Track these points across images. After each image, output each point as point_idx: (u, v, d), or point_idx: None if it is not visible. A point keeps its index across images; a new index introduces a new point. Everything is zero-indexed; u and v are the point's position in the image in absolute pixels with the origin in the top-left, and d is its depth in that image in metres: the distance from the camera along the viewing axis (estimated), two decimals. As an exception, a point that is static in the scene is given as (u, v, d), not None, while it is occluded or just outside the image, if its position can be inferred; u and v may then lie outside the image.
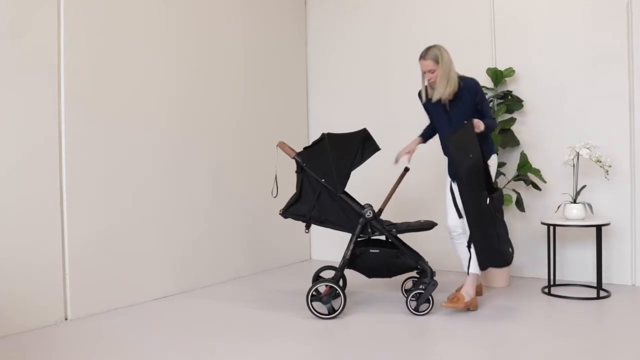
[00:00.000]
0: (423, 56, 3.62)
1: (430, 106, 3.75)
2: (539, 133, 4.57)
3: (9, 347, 3.01)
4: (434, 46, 3.63)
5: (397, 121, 5.11)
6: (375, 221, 3.59)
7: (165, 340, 3.14)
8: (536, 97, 4.58)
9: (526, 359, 2.80)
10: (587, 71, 4.41)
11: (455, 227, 3.75)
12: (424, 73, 3.64)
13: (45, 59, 3.43)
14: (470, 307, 3.69)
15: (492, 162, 3.73)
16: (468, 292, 3.70)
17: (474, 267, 3.67)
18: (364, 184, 4.67)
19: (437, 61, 3.57)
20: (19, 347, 3.03)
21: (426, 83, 3.68)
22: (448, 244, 4.78)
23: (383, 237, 3.72)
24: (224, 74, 4.70)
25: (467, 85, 3.61)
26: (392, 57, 5.23)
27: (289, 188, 3.82)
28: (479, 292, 3.82)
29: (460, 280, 4.13)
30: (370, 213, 3.57)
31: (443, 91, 3.57)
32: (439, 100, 3.64)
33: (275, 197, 3.78)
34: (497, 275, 4.36)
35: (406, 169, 3.97)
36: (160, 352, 2.95)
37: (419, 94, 3.79)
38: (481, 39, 4.80)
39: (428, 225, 3.70)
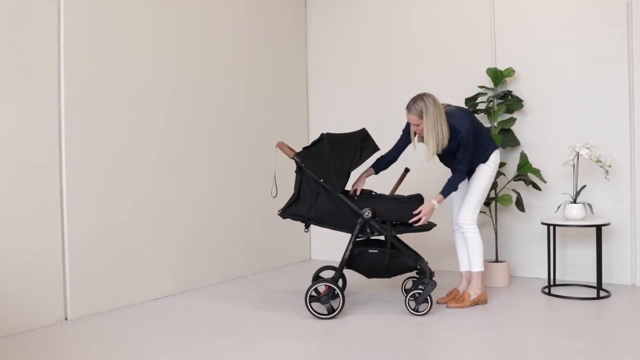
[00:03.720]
0: (408, 109, 3.61)
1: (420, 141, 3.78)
2: (539, 133, 4.57)
3: (9, 347, 3.02)
4: (420, 98, 3.56)
5: (397, 121, 5.09)
6: (374, 221, 3.59)
7: (165, 340, 3.14)
8: (536, 97, 4.58)
9: (526, 359, 2.80)
10: (587, 71, 4.40)
11: (464, 221, 3.77)
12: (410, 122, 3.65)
13: (45, 59, 3.43)
14: (479, 303, 3.78)
15: (490, 162, 3.75)
16: (475, 290, 3.77)
17: (478, 265, 3.76)
18: (364, 185, 4.67)
19: (421, 116, 3.55)
20: (19, 347, 3.03)
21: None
22: (447, 244, 4.79)
23: (382, 237, 3.72)
24: (224, 73, 4.70)
25: (456, 135, 3.56)
26: (391, 57, 5.23)
27: (289, 188, 3.82)
28: (483, 300, 3.83)
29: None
30: (369, 213, 3.57)
31: (431, 148, 3.54)
32: None
33: (275, 197, 3.78)
34: (497, 275, 4.37)
35: (407, 170, 3.97)
36: (160, 352, 2.95)
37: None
38: (481, 39, 4.80)
39: (428, 227, 3.70)
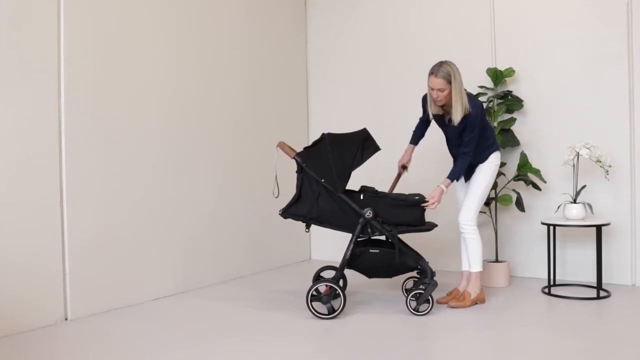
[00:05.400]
0: (434, 73, 3.54)
1: (433, 116, 3.79)
2: (539, 133, 4.57)
3: (9, 347, 3.02)
4: (446, 63, 3.56)
5: (397, 120, 5.10)
6: (376, 221, 3.59)
7: (165, 340, 3.14)
8: (536, 97, 4.58)
9: (526, 359, 2.80)
10: (587, 71, 4.40)
11: (464, 221, 3.78)
12: (431, 89, 3.59)
13: (45, 59, 3.43)
14: (478, 302, 3.80)
15: (490, 163, 3.78)
16: (474, 289, 3.78)
17: (477, 265, 3.77)
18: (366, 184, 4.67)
19: (448, 81, 3.52)
20: (19, 347, 3.03)
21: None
22: (448, 244, 4.79)
23: (383, 237, 3.71)
24: (224, 74, 4.70)
25: (469, 115, 3.58)
26: (391, 57, 5.23)
27: (290, 188, 3.82)
28: (481, 299, 3.84)
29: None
30: (370, 213, 3.57)
31: (459, 111, 3.55)
32: (441, 114, 3.70)
33: (277, 197, 3.78)
34: (497, 275, 4.37)
35: (404, 167, 3.96)
36: (160, 352, 2.95)
37: (423, 99, 3.79)
38: (481, 39, 4.80)
39: (429, 227, 3.70)
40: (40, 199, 3.39)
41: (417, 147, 4.04)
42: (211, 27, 4.58)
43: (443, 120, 3.74)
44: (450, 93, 3.56)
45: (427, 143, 4.25)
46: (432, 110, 3.71)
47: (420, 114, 3.93)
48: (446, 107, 3.66)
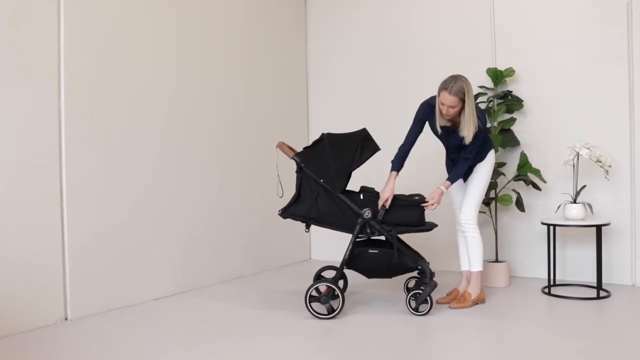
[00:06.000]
0: (447, 89, 3.42)
1: (440, 127, 3.67)
2: (539, 133, 4.57)
3: (9, 347, 3.02)
4: (460, 78, 3.44)
5: (397, 120, 5.10)
6: (374, 221, 3.59)
7: (165, 340, 3.14)
8: (536, 97, 4.58)
9: (526, 359, 2.80)
10: (587, 71, 4.40)
11: (466, 220, 3.77)
12: (442, 104, 3.48)
13: (45, 59, 3.43)
14: (478, 302, 3.80)
15: (487, 162, 3.78)
16: (475, 289, 3.78)
17: (477, 265, 3.77)
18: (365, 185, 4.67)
19: (461, 98, 3.43)
20: (19, 347, 3.03)
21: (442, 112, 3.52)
22: (448, 244, 4.79)
23: (383, 237, 3.71)
24: (224, 74, 4.70)
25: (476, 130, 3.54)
26: (391, 57, 5.24)
27: (290, 188, 3.82)
28: (481, 300, 3.84)
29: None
30: (369, 213, 3.57)
31: (472, 130, 3.49)
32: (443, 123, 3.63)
33: (281, 197, 3.77)
34: (497, 275, 4.37)
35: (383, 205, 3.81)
36: (160, 352, 2.95)
37: (424, 109, 3.68)
38: (481, 39, 4.80)
39: (429, 227, 3.70)
40: (40, 199, 3.40)
41: (417, 150, 4.00)
42: (211, 27, 4.58)
43: (447, 130, 3.67)
44: (461, 109, 3.50)
45: (429, 147, 4.25)
46: (439, 122, 3.59)
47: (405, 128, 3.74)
48: (453, 119, 3.60)
